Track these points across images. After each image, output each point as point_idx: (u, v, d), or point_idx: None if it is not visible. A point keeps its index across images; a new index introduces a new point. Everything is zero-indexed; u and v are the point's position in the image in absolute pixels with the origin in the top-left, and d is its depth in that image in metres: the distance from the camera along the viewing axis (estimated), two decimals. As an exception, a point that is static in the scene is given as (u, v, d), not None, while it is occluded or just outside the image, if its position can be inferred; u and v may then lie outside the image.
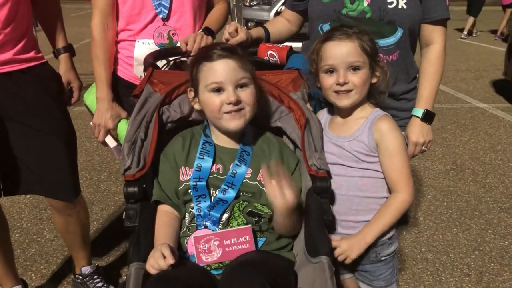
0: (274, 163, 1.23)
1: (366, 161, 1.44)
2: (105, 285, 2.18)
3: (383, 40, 1.66)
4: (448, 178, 3.66)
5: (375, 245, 1.47)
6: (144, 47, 1.83)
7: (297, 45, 1.79)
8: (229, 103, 1.31)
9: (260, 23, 6.76)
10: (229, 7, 2.03)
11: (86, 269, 2.18)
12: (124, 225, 1.25)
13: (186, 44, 1.69)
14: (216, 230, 1.30)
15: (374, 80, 1.46)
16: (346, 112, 1.49)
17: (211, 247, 1.22)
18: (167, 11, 1.82)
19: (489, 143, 4.45)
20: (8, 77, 1.69)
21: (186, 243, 1.33)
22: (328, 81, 1.43)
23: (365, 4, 1.64)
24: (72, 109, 2.03)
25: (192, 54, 1.69)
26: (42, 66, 1.80)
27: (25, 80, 1.72)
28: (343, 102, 1.43)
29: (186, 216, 1.37)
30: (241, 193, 1.36)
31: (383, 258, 1.51)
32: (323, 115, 1.59)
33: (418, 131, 1.74)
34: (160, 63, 1.73)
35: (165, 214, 1.35)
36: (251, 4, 6.87)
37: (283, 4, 6.57)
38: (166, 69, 1.73)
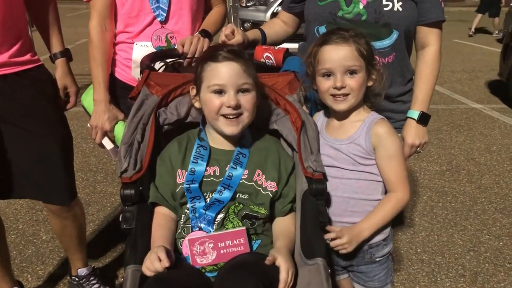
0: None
1: (362, 163, 1.45)
2: (101, 287, 2.18)
3: (379, 43, 1.67)
4: (444, 179, 3.68)
5: (370, 247, 1.49)
6: (142, 50, 1.83)
7: (293, 46, 1.81)
8: (229, 106, 1.32)
9: (256, 23, 6.78)
10: (226, 10, 2.04)
11: (82, 271, 2.18)
12: (121, 227, 1.25)
13: (183, 46, 1.69)
14: (210, 231, 1.30)
15: (370, 83, 1.47)
16: (342, 115, 1.50)
17: (206, 250, 1.22)
18: (165, 14, 1.82)
19: (484, 144, 4.47)
20: (4, 80, 1.68)
21: (181, 244, 1.33)
22: (325, 84, 1.44)
23: (361, 6, 1.65)
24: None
25: (188, 56, 1.70)
26: (38, 69, 1.80)
27: (21, 83, 1.72)
28: (340, 106, 1.44)
29: (182, 217, 1.38)
30: (237, 194, 1.36)
31: (377, 259, 1.52)
32: (320, 117, 1.60)
33: (414, 133, 1.76)
34: (158, 65, 1.74)
35: (161, 216, 1.35)
36: (248, 5, 6.88)
37: (279, 4, 6.58)
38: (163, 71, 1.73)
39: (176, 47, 1.74)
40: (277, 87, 1.57)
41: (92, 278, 2.19)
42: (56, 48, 1.93)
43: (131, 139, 1.36)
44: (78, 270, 2.18)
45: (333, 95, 1.43)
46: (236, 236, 1.23)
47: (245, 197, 1.37)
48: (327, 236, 1.35)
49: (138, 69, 1.72)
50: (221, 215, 1.32)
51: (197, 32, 1.83)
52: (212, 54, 1.37)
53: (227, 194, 1.34)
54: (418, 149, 1.81)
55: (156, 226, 1.33)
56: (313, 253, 1.24)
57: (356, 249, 1.43)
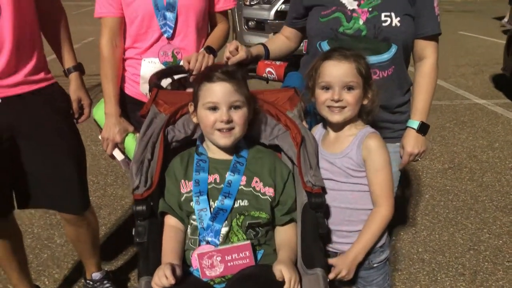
0: None
1: (355, 176, 1.54)
2: (114, 289, 2.30)
3: (379, 57, 1.74)
4: (446, 177, 3.75)
5: (367, 253, 1.57)
6: (150, 66, 1.93)
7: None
8: (222, 121, 1.43)
9: (260, 22, 6.84)
10: (229, 27, 2.12)
11: (96, 275, 2.29)
12: (134, 241, 1.35)
13: (189, 63, 1.78)
14: (217, 244, 1.40)
15: (365, 102, 1.55)
16: (337, 128, 1.58)
17: (214, 263, 1.32)
18: (172, 31, 1.91)
19: (486, 140, 4.53)
20: (20, 98, 1.78)
21: (191, 256, 1.43)
22: (323, 96, 1.53)
23: (361, 22, 1.72)
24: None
25: (194, 72, 1.79)
26: (52, 87, 1.90)
27: (36, 101, 1.82)
28: (335, 117, 1.53)
29: (188, 228, 1.47)
30: (237, 201, 1.45)
31: (375, 265, 1.61)
32: (318, 130, 1.69)
33: (413, 142, 1.83)
34: (166, 80, 1.83)
35: (171, 229, 1.45)
36: (252, 3, 6.92)
37: (283, 3, 6.63)
38: (169, 87, 1.82)
39: (182, 63, 1.83)
40: (278, 103, 1.65)
41: (105, 282, 2.30)
42: (69, 63, 2.03)
43: (142, 157, 1.45)
44: (93, 274, 2.29)
45: (329, 107, 1.52)
46: (241, 250, 1.33)
47: (245, 204, 1.46)
48: (330, 277, 1.42)
49: (146, 85, 1.81)
50: (225, 228, 1.41)
51: (202, 48, 1.91)
52: (208, 75, 1.48)
53: (228, 202, 1.44)
54: (416, 157, 1.88)
55: (166, 238, 1.42)
56: (312, 263, 1.33)
57: None
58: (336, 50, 1.54)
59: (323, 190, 1.45)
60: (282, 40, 2.01)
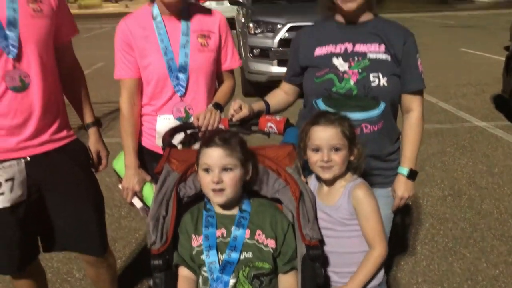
0: None
1: (350, 224, 1.73)
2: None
3: (369, 113, 1.93)
4: (445, 204, 3.88)
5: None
6: (164, 122, 2.12)
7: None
8: (213, 182, 1.62)
9: (264, 49, 7.06)
10: (235, 83, 2.32)
11: (114, 310, 2.46)
12: (152, 292, 1.53)
13: (198, 120, 1.98)
14: (226, 295, 1.57)
15: (352, 158, 1.74)
16: (329, 182, 1.78)
17: (224, 313, 1.49)
18: (184, 90, 2.11)
19: (486, 165, 4.66)
20: (45, 155, 1.98)
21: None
22: (314, 158, 1.73)
23: (352, 83, 1.90)
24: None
25: (202, 129, 1.98)
26: (73, 143, 2.09)
27: (60, 157, 2.01)
28: (326, 175, 1.73)
29: (200, 278, 1.64)
30: (243, 254, 1.62)
31: (373, 303, 1.77)
32: (312, 181, 1.87)
33: (403, 187, 2.01)
34: (179, 134, 2.02)
35: (184, 279, 1.63)
36: (256, 32, 7.16)
37: (286, 31, 6.86)
38: (180, 144, 2.01)
39: (192, 119, 2.03)
40: (278, 159, 1.82)
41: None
42: (88, 119, 2.23)
43: (157, 214, 1.63)
44: (111, 309, 2.46)
45: (321, 166, 1.72)
46: (248, 300, 1.50)
47: (250, 255, 1.63)
48: None
49: (161, 139, 2.01)
50: (233, 280, 1.58)
51: (211, 105, 2.10)
52: (206, 140, 1.68)
53: (234, 255, 1.61)
54: (407, 200, 2.05)
55: (180, 289, 1.60)
56: (311, 311, 1.50)
57: None
58: (322, 115, 1.74)
59: (321, 242, 1.61)
60: (281, 95, 2.20)
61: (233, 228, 1.65)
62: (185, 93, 2.12)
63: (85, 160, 2.17)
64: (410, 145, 2.01)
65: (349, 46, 1.92)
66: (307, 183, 1.81)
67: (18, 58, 1.84)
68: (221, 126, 2.00)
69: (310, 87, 2.00)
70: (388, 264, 1.88)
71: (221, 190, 1.62)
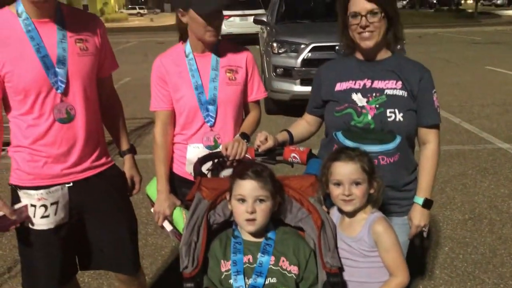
0: None
1: (370, 255, 1.83)
2: None
3: (385, 146, 2.04)
4: (466, 228, 3.92)
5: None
6: (194, 150, 2.28)
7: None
8: (247, 212, 1.76)
9: (287, 69, 7.22)
10: (261, 113, 2.47)
11: (143, 326, 2.60)
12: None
13: (226, 149, 2.12)
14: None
15: (372, 191, 1.85)
16: (350, 214, 1.89)
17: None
18: (213, 120, 2.27)
19: (508, 189, 4.67)
20: (86, 181, 2.15)
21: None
22: (336, 191, 1.85)
23: (369, 117, 2.02)
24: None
25: (230, 158, 2.12)
26: (111, 169, 2.26)
27: (99, 182, 2.18)
28: (347, 207, 1.85)
29: None
30: (268, 279, 1.75)
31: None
32: (335, 212, 1.98)
33: (419, 216, 2.10)
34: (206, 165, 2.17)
35: (213, 301, 1.76)
36: (279, 51, 7.33)
37: (310, 51, 7.01)
38: (209, 171, 2.16)
39: (220, 148, 2.18)
40: (302, 189, 1.95)
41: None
42: (124, 146, 2.41)
43: (189, 240, 1.78)
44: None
45: (342, 200, 1.83)
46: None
47: (274, 281, 1.75)
48: None
49: (191, 166, 2.17)
50: (259, 304, 1.71)
51: (238, 134, 2.25)
52: (240, 173, 1.82)
53: (260, 280, 1.74)
54: (423, 228, 2.14)
55: (210, 310, 1.73)
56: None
57: None
58: (343, 152, 1.86)
59: (340, 270, 1.73)
60: (304, 125, 2.33)
61: (259, 255, 1.78)
62: (214, 123, 2.27)
63: (121, 185, 2.34)
64: (426, 176, 2.11)
65: (367, 83, 2.05)
66: (328, 213, 1.93)
67: (65, 92, 2.02)
68: (248, 156, 2.14)
69: (331, 120, 2.13)
70: (406, 287, 1.98)
71: (254, 219, 1.76)
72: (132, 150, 2.42)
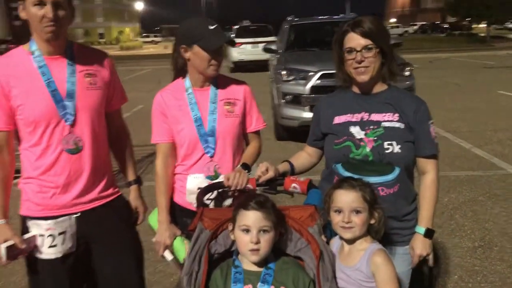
0: None
1: (367, 286, 1.85)
2: None
3: (384, 177, 2.07)
4: (475, 256, 3.87)
5: None
6: (194, 181, 2.34)
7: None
8: (251, 242, 1.80)
9: (297, 96, 7.31)
10: (261, 143, 2.53)
11: None
12: None
13: (228, 180, 2.18)
14: None
15: (372, 221, 1.88)
16: (350, 242, 1.92)
17: None
18: (213, 151, 2.33)
19: (519, 216, 4.62)
20: (93, 211, 2.22)
21: None
22: (336, 218, 1.89)
23: (368, 149, 2.07)
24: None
25: (232, 189, 2.18)
26: (118, 199, 2.34)
27: (106, 213, 2.25)
28: (347, 235, 1.88)
29: None
30: None
31: None
32: (335, 242, 2.01)
33: (421, 245, 2.11)
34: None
35: (215, 330, 1.79)
36: (288, 79, 7.45)
37: (318, 78, 7.11)
38: (212, 201, 2.22)
39: (222, 178, 2.23)
40: (301, 220, 1.99)
41: None
42: (131, 177, 2.48)
43: (191, 269, 1.83)
44: None
45: (342, 227, 1.87)
46: None
47: None
48: None
49: (192, 196, 2.24)
50: (261, 331, 1.74)
51: (239, 165, 2.31)
52: (244, 203, 1.86)
53: None
54: (426, 257, 2.15)
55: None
56: None
57: None
58: (345, 181, 1.91)
59: (338, 299, 1.75)
60: (305, 156, 2.39)
61: (259, 284, 1.81)
62: (214, 154, 2.34)
63: (128, 215, 2.41)
64: (426, 205, 2.13)
65: (365, 115, 2.11)
66: (328, 242, 1.96)
67: (73, 124, 2.12)
68: (249, 186, 2.19)
69: (330, 153, 2.18)
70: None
71: (258, 250, 1.81)
72: (138, 181, 2.49)
